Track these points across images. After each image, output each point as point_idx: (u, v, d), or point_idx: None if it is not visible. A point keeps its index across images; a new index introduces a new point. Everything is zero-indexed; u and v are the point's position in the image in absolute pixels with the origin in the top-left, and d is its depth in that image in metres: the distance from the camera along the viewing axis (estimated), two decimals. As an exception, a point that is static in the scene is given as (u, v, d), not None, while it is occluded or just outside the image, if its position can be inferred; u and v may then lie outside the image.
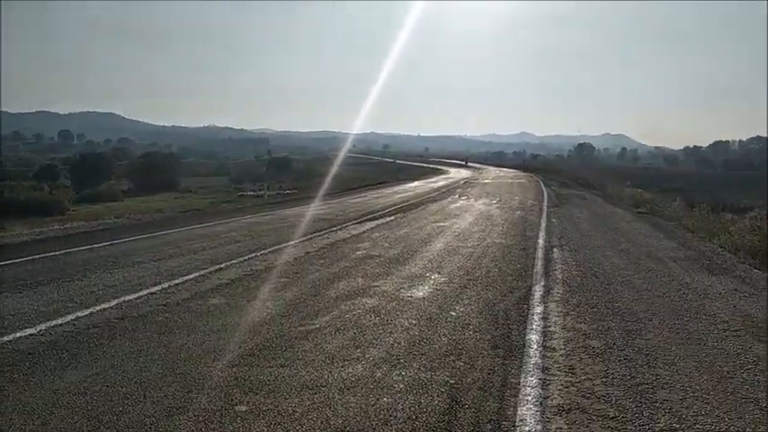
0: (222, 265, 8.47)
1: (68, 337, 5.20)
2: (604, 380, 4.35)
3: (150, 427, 3.51)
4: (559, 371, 4.53)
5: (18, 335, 5.22)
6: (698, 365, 4.73)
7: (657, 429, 3.59)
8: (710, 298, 7.05)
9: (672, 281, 7.98)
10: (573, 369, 4.57)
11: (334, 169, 39.84)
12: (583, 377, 4.40)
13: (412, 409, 3.79)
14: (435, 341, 5.19)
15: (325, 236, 11.88)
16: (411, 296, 6.86)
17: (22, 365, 4.52)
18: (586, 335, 5.46)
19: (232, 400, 3.92)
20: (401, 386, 4.16)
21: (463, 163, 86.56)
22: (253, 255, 9.43)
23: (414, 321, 5.80)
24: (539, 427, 3.57)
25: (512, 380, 4.32)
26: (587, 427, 3.60)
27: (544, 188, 30.88)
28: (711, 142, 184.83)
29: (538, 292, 7.13)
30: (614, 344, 5.21)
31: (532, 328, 5.59)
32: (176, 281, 7.44)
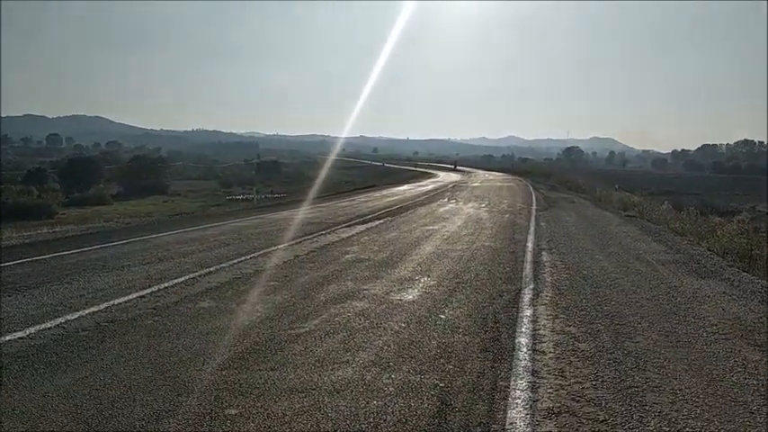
0: (212, 269, 8.43)
1: (58, 340, 5.16)
2: (594, 383, 4.37)
3: (140, 431, 3.50)
4: (549, 374, 4.54)
5: (7, 338, 5.18)
6: (687, 368, 4.76)
7: None
8: (699, 301, 7.10)
9: (661, 284, 8.03)
10: (563, 372, 4.58)
11: (323, 173, 39.89)
12: (572, 380, 4.42)
13: (402, 412, 3.79)
14: (425, 344, 5.20)
15: (315, 239, 11.86)
16: (401, 299, 6.86)
17: (12, 369, 4.48)
18: (576, 338, 5.48)
19: (222, 403, 3.90)
20: (391, 389, 4.16)
21: (452, 167, 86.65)
22: (242, 258, 9.40)
23: (403, 324, 5.80)
24: (528, 431, 3.58)
25: (501, 383, 4.32)
26: (577, 430, 3.62)
27: (533, 191, 30.96)
28: (699, 146, 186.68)
29: (527, 295, 7.15)
30: (604, 347, 5.23)
31: (522, 332, 5.60)
32: (166, 284, 7.39)
